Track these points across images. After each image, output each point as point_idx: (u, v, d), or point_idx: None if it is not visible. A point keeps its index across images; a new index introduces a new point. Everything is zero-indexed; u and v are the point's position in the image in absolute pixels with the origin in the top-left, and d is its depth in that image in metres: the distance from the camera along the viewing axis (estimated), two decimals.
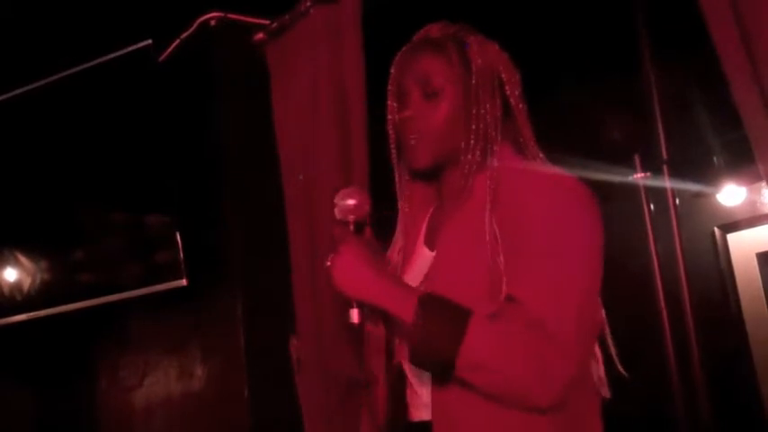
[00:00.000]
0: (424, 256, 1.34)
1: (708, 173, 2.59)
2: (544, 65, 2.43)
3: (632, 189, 2.01)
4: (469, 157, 1.28)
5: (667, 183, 1.90)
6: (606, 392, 1.29)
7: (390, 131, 1.38)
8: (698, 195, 2.63)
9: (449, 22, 1.40)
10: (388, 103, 1.37)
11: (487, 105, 1.29)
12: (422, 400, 1.29)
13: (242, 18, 2.61)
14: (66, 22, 2.66)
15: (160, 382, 2.73)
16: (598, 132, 2.49)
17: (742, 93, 1.78)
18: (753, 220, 2.60)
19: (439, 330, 1.13)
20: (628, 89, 2.13)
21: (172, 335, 2.72)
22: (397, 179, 1.40)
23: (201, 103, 2.66)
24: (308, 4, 2.43)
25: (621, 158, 2.03)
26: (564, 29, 2.43)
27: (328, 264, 1.23)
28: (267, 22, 2.57)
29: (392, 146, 1.38)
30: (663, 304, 1.88)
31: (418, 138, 1.30)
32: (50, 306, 2.73)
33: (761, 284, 2.61)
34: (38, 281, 2.77)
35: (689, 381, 1.88)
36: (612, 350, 1.29)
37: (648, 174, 1.93)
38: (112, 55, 2.63)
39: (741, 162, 2.37)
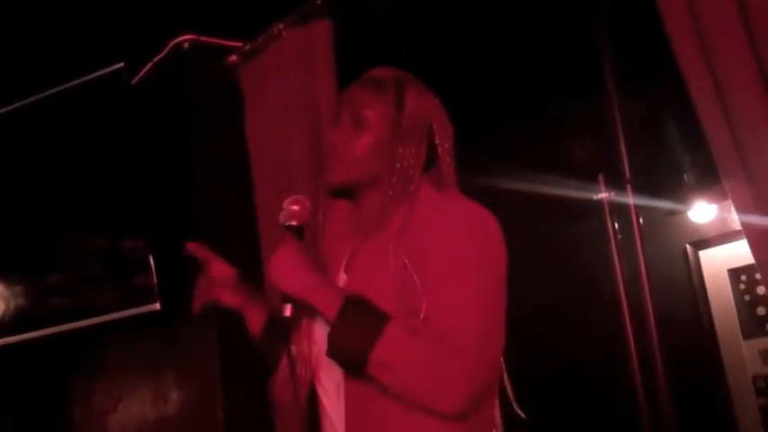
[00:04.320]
0: (341, 281, 1.43)
1: (678, 190, 2.62)
2: (507, 86, 2.46)
3: (600, 208, 2.03)
4: (389, 192, 1.37)
5: (631, 202, 1.92)
6: (519, 413, 1.36)
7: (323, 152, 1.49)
8: (669, 213, 2.66)
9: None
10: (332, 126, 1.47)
11: (412, 148, 1.38)
12: (333, 424, 1.35)
13: (215, 41, 2.62)
14: (37, 46, 2.66)
15: (135, 406, 2.70)
16: (563, 152, 2.52)
17: (706, 112, 1.82)
18: (724, 236, 2.62)
19: (359, 326, 1.24)
20: (592, 108, 2.15)
21: (146, 359, 2.69)
22: (322, 198, 1.49)
23: (175, 126, 2.66)
24: (281, 27, 2.45)
25: (587, 178, 2.06)
26: (527, 47, 2.46)
27: (268, 262, 1.35)
28: (240, 44, 2.58)
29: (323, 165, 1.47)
30: (628, 324, 1.89)
31: (337, 158, 1.40)
32: (23, 331, 2.69)
33: (732, 301, 2.63)
34: (11, 306, 2.74)
35: (655, 401, 1.88)
36: (509, 391, 1.36)
37: (612, 193, 1.95)
38: (85, 78, 2.62)
39: (711, 179, 2.39)
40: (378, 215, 1.37)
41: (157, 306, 2.48)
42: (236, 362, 2.47)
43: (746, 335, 2.61)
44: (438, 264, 1.25)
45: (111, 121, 2.61)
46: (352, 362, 1.24)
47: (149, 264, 2.50)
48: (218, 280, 1.60)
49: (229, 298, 1.60)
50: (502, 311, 1.30)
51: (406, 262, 1.27)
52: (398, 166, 1.36)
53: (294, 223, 1.40)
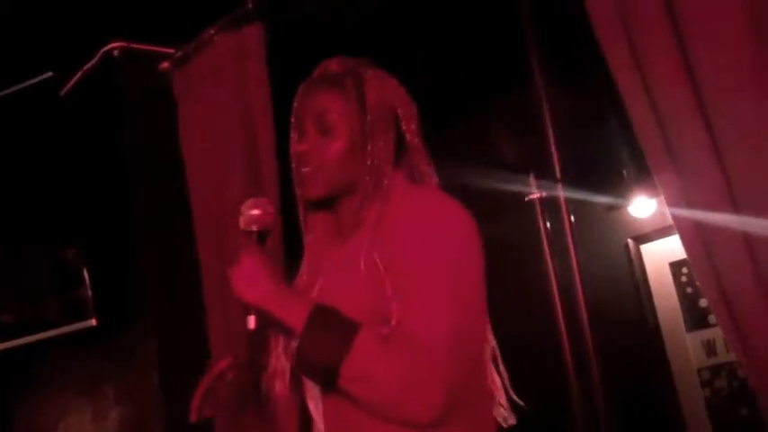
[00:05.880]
0: (318, 289, 1.36)
1: (618, 185, 2.63)
2: (435, 85, 2.43)
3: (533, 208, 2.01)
4: (363, 191, 1.31)
5: (562, 199, 1.90)
6: (512, 419, 1.31)
7: (292, 164, 1.39)
8: (610, 208, 2.67)
9: (348, 56, 1.41)
10: (291, 135, 1.39)
11: (380, 142, 1.32)
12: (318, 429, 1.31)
13: (146, 47, 2.56)
14: None
15: (74, 425, 2.63)
16: (494, 153, 2.50)
17: (634, 106, 1.82)
18: (664, 230, 2.63)
19: (328, 339, 1.17)
20: (521, 108, 2.13)
21: (85, 377, 2.63)
22: (300, 209, 1.41)
23: (108, 135, 2.59)
24: (212, 32, 2.41)
25: (520, 176, 2.03)
26: (453, 46, 2.44)
27: (228, 271, 1.26)
28: (172, 50, 2.53)
29: (294, 177, 1.39)
30: (562, 324, 1.88)
31: (312, 170, 1.32)
32: None
33: (675, 293, 2.65)
34: None
35: (590, 396, 1.87)
36: (504, 377, 1.31)
37: (544, 192, 1.93)
38: (13, 88, 2.54)
39: (650, 174, 2.40)
40: (355, 217, 1.31)
41: (93, 322, 2.41)
42: (177, 376, 2.41)
43: (690, 327, 2.63)
44: (408, 265, 1.19)
45: (42, 132, 2.54)
46: (323, 376, 1.18)
47: (84, 278, 2.43)
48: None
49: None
50: (480, 311, 1.25)
51: (378, 261, 1.21)
52: (370, 163, 1.30)
53: (255, 228, 1.29)
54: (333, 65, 1.38)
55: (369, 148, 1.30)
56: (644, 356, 2.59)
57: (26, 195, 2.57)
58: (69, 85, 2.59)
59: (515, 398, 1.31)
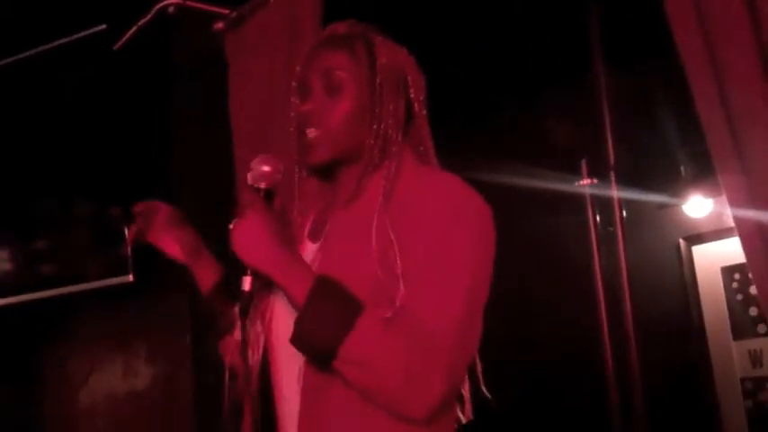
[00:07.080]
0: (308, 249, 1.30)
1: (675, 182, 2.53)
2: (492, 67, 2.34)
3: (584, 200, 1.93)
4: (368, 156, 1.24)
5: (614, 189, 1.80)
6: (469, 414, 1.25)
7: (292, 128, 1.31)
8: (664, 206, 2.57)
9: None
10: (291, 99, 1.32)
11: (390, 106, 1.25)
12: (291, 412, 1.23)
13: (201, 6, 2.53)
14: (16, 5, 2.57)
15: (105, 379, 2.65)
16: (548, 142, 2.41)
17: (704, 101, 1.73)
18: (719, 232, 2.53)
19: (329, 316, 1.10)
20: (579, 94, 2.04)
21: (118, 332, 2.64)
22: (296, 176, 1.33)
23: (157, 92, 2.57)
24: None
25: (569, 165, 1.94)
26: (514, 29, 2.34)
27: (231, 227, 1.18)
28: (227, 11, 2.50)
29: (294, 142, 1.31)
30: (604, 318, 1.80)
31: (317, 133, 1.25)
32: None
33: (724, 299, 2.55)
34: None
35: (629, 398, 1.80)
36: (479, 371, 1.25)
37: (595, 180, 1.83)
38: (65, 40, 2.54)
39: (709, 173, 2.30)
40: (355, 182, 1.24)
41: (130, 278, 2.42)
42: (209, 336, 2.40)
43: (737, 335, 2.53)
44: (422, 249, 1.13)
45: (92, 85, 2.54)
46: (319, 354, 1.12)
47: (124, 234, 2.43)
48: (162, 222, 1.51)
49: (170, 246, 1.51)
50: (483, 305, 1.18)
51: (391, 236, 1.14)
52: (377, 127, 1.23)
53: (263, 186, 1.22)
54: (341, 27, 1.31)
55: (377, 111, 1.24)
56: (687, 360, 2.51)
57: (77, 151, 2.58)
58: (123, 40, 2.58)
59: (485, 392, 1.24)
